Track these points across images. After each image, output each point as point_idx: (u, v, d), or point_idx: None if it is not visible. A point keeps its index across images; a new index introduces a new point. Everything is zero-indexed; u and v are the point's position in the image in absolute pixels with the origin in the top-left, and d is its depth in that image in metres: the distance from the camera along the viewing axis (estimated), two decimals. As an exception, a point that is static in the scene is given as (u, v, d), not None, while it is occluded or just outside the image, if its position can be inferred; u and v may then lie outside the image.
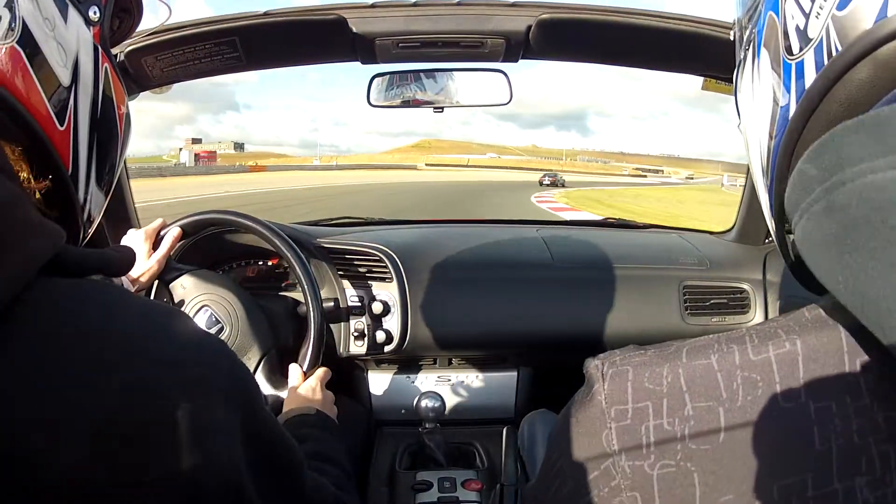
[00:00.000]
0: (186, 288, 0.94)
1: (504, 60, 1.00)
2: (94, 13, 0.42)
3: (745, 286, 1.16)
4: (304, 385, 0.85)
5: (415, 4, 0.91)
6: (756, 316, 1.15)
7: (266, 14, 0.90)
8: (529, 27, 0.91)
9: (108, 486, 0.30)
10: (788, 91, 0.31)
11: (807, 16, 0.30)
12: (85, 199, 0.42)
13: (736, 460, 0.26)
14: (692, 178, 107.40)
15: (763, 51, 0.34)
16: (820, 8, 0.29)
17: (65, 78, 0.38)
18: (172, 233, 0.93)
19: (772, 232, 0.37)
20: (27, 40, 0.35)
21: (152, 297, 0.96)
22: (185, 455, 0.32)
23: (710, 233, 1.41)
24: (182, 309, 0.92)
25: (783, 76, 0.32)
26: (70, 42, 0.39)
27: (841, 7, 0.28)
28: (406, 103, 1.03)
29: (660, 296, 1.14)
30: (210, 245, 1.09)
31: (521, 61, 1.01)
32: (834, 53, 0.28)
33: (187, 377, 0.33)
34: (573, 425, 0.32)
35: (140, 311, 0.34)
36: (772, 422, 0.26)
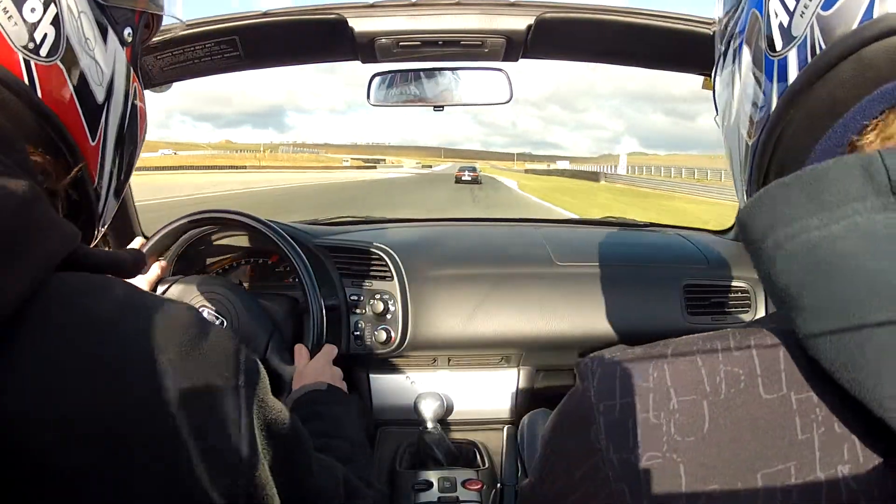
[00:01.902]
0: (179, 294, 0.94)
1: (504, 60, 1.00)
2: (129, 34, 0.44)
3: (746, 285, 1.16)
4: (312, 363, 0.86)
5: (415, 4, 0.91)
6: (757, 315, 1.14)
7: (266, 14, 0.90)
8: (530, 27, 0.91)
9: (116, 479, 0.30)
10: (770, 89, 0.32)
11: (791, 14, 0.30)
12: (103, 209, 0.44)
13: (721, 450, 0.27)
14: (430, 168, 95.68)
15: (745, 48, 0.35)
16: (805, 7, 0.30)
17: (100, 96, 0.40)
18: (161, 263, 0.95)
19: None
20: (70, 59, 0.37)
21: None
22: (197, 450, 0.32)
23: (711, 232, 1.41)
24: None
25: (765, 73, 0.33)
26: (107, 62, 0.41)
27: (826, 7, 0.28)
28: (406, 102, 1.03)
29: (660, 295, 1.14)
30: (208, 244, 1.09)
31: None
32: (818, 51, 0.29)
33: (200, 370, 0.33)
34: (563, 422, 0.33)
35: (152, 305, 0.35)
36: (754, 412, 0.27)
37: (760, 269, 0.29)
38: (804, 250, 0.26)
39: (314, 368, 0.84)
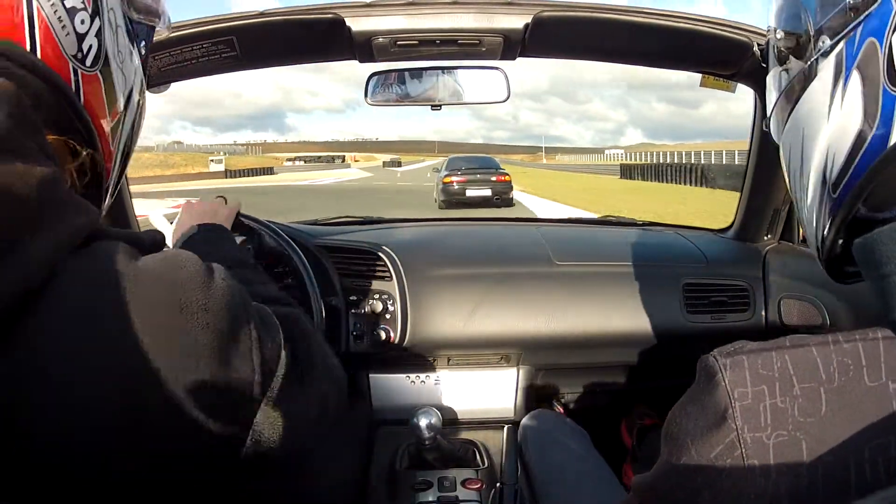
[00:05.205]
0: None
1: (502, 59, 1.00)
2: (144, 46, 0.48)
3: (745, 284, 1.15)
4: (181, 218, 0.78)
5: (412, 3, 0.91)
6: (756, 314, 1.14)
7: (263, 14, 0.90)
8: (527, 25, 0.91)
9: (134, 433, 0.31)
10: (889, 120, 0.34)
11: None
12: (106, 205, 0.47)
13: (835, 428, 0.33)
14: (399, 165, 71.41)
15: (855, 72, 0.36)
16: None
17: (121, 104, 0.43)
18: None
19: (815, 233, 0.42)
20: (106, 70, 0.40)
21: None
22: (215, 410, 0.33)
23: (710, 230, 1.41)
24: None
25: (882, 104, 0.35)
26: (130, 73, 0.44)
27: None
28: (403, 101, 1.03)
29: (660, 293, 1.14)
30: None
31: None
32: None
33: (217, 325, 0.35)
34: (697, 409, 0.38)
35: (173, 256, 0.36)
36: (861, 397, 0.33)
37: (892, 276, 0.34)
38: None
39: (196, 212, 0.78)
